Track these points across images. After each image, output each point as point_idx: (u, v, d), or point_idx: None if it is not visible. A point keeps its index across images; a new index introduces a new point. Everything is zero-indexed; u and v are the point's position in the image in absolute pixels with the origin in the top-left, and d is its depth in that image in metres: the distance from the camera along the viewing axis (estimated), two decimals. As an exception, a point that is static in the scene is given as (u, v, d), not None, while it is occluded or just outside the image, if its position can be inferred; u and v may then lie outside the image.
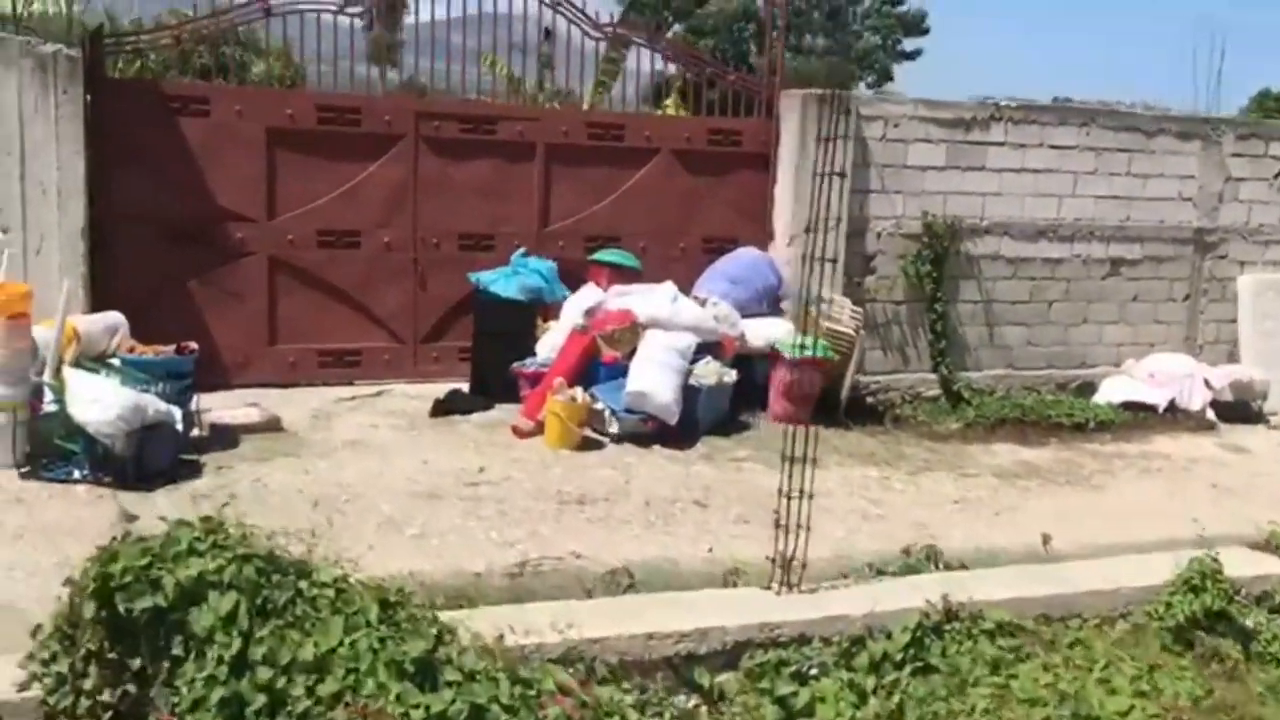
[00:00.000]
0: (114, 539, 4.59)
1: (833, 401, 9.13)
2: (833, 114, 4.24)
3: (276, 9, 8.43)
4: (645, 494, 7.10)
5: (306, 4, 8.48)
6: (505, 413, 8.49)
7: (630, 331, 8.40)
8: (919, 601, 5.59)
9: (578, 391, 7.97)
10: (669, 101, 13.29)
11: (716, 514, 6.90)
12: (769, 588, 5.73)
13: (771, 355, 8.94)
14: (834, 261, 9.49)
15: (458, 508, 6.60)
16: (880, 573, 6.09)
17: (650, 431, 8.03)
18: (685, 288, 9.06)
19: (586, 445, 7.87)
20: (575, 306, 8.72)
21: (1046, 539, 6.46)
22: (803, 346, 8.79)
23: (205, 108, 8.30)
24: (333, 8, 8.53)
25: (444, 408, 8.38)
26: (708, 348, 8.57)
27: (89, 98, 7.80)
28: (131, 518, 5.95)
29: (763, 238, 9.69)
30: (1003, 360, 10.31)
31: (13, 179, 7.61)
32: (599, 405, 8.01)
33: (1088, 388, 10.45)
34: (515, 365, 8.48)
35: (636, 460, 7.76)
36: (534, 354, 8.60)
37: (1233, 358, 10.97)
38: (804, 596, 5.70)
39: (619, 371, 8.31)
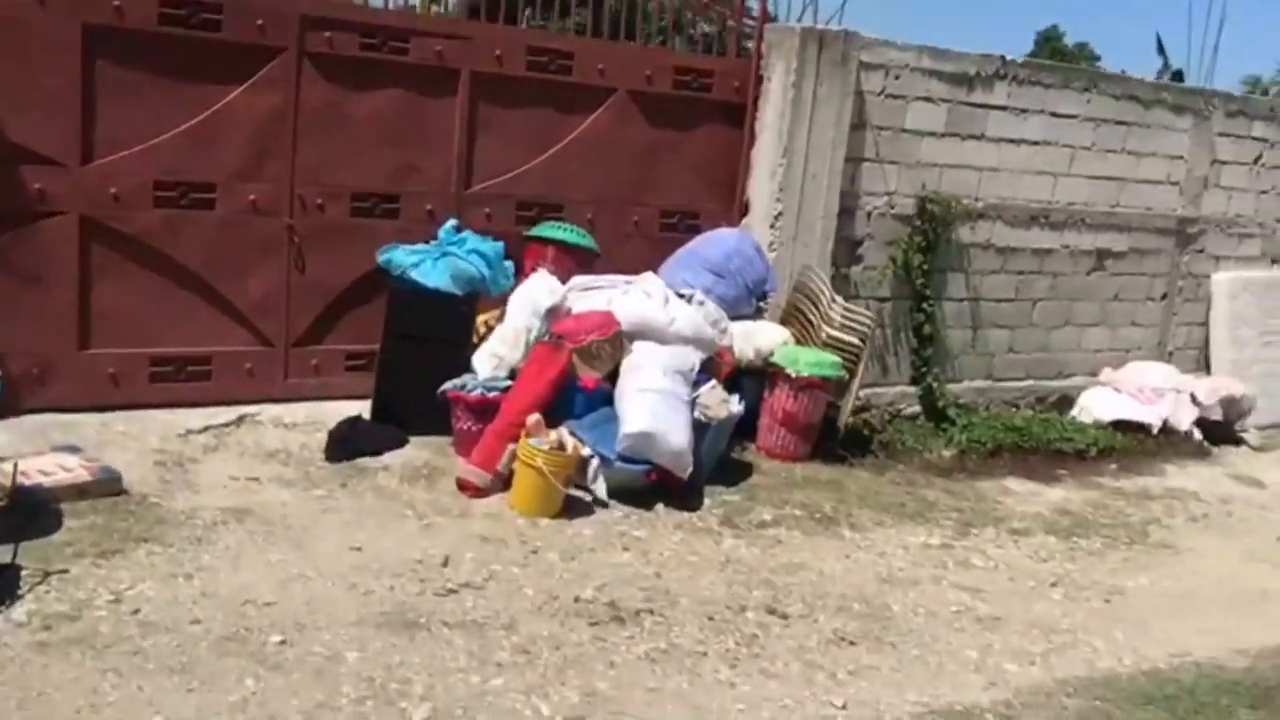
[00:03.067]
0: None
1: (826, 429, 7.17)
2: None
3: None
4: (694, 596, 4.96)
5: None
6: (432, 451, 6.10)
7: (613, 344, 6.12)
8: None
9: (564, 434, 5.65)
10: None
11: (805, 629, 4.82)
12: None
13: (770, 373, 6.86)
14: (825, 248, 7.67)
15: (457, 648, 4.23)
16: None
17: (647, 485, 5.83)
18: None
19: (569, 508, 5.62)
20: (526, 301, 6.34)
21: None
22: (813, 363, 6.79)
23: (-15, -12, 5.39)
24: None
25: (346, 448, 5.87)
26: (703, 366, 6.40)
27: None
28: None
29: (730, 213, 7.53)
30: (983, 370, 8.61)
31: None
32: (585, 451, 5.73)
33: (1065, 401, 8.93)
34: (450, 387, 6.03)
35: (647, 533, 5.58)
36: (471, 370, 6.17)
37: (1199, 365, 9.72)
38: None
39: (599, 400, 6.04)
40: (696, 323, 6.33)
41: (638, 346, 6.13)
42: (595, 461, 5.71)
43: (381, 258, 6.23)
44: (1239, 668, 5.04)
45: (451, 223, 6.35)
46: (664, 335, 6.19)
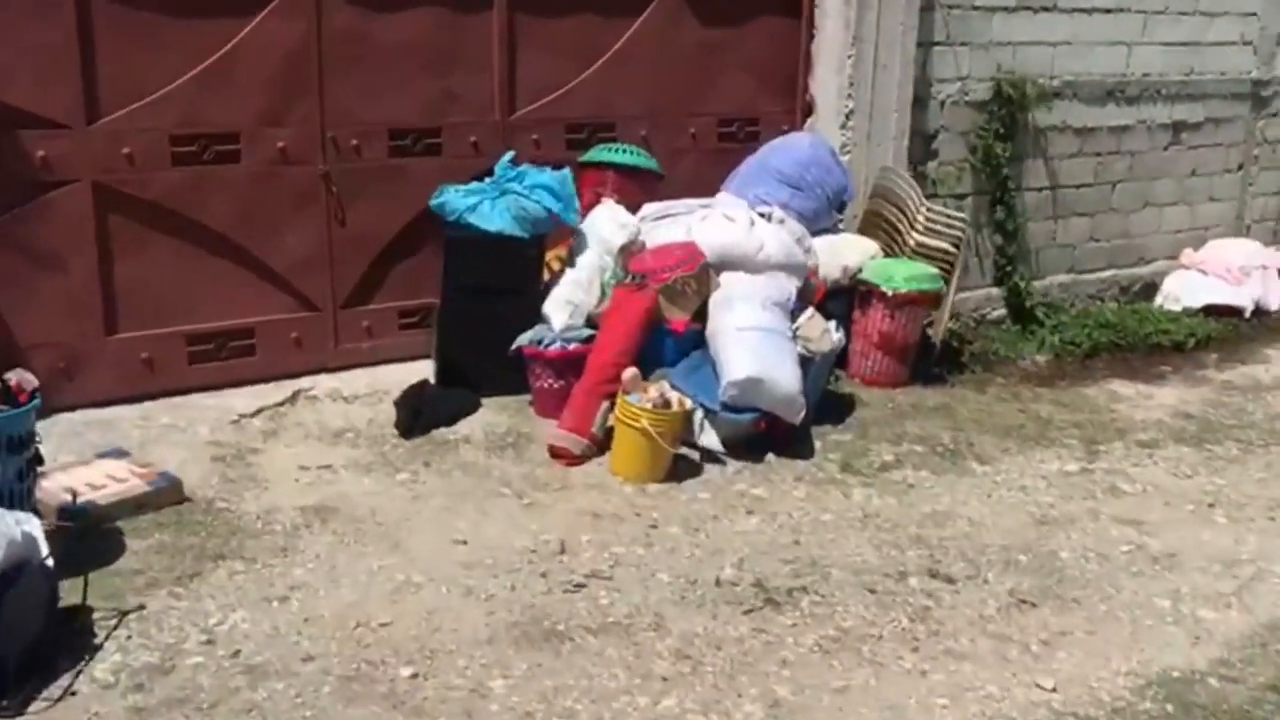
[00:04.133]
0: None
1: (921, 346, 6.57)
2: None
3: None
4: (845, 565, 4.37)
5: None
6: (510, 414, 5.47)
7: (699, 279, 5.46)
8: None
9: (665, 388, 5.02)
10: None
11: (977, 593, 4.26)
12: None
13: (861, 291, 6.23)
14: (901, 145, 6.99)
15: (610, 660, 3.65)
16: None
17: (755, 435, 5.22)
18: (705, 195, 6.22)
19: (674, 468, 5.02)
20: (596, 238, 5.66)
21: None
22: (909, 277, 6.16)
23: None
24: None
25: (420, 420, 5.23)
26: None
27: None
28: None
29: (792, 116, 6.83)
30: (1065, 263, 8.00)
31: None
32: (688, 404, 5.10)
33: (1149, 289, 8.35)
34: (524, 341, 5.39)
35: (767, 491, 4.98)
36: (543, 320, 5.51)
37: (1276, 237, 9.14)
38: None
39: (689, 343, 5.40)
40: (787, 245, 5.67)
41: (726, 279, 5.48)
42: (699, 413, 5.09)
43: (434, 201, 5.51)
44: None
45: (509, 155, 5.62)
46: (753, 264, 5.54)
